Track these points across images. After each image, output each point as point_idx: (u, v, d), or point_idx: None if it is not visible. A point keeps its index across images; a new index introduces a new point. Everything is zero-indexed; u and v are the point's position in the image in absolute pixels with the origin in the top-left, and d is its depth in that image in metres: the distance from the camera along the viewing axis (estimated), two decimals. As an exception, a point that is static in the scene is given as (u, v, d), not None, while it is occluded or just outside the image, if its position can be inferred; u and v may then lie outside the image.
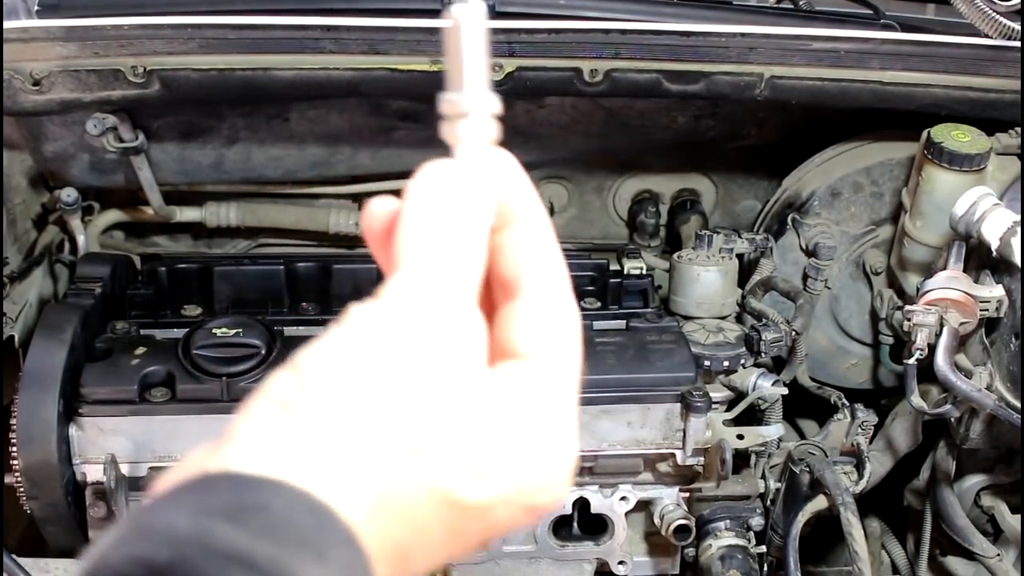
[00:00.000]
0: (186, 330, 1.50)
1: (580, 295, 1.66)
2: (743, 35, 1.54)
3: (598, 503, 1.55)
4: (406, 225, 0.49)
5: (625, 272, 1.72)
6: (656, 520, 1.57)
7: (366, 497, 0.44)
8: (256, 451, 0.43)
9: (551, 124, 1.81)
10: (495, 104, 0.51)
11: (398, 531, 0.44)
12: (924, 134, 1.61)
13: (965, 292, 1.43)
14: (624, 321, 1.62)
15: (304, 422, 0.44)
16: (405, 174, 1.83)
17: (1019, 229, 1.37)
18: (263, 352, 1.45)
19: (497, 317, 0.51)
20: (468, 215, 0.49)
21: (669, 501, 1.57)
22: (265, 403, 0.45)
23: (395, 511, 0.44)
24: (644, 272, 1.72)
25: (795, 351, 1.71)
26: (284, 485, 0.42)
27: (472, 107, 0.50)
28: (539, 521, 1.55)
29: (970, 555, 1.69)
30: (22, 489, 1.39)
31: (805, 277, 1.81)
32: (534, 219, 0.52)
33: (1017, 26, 1.45)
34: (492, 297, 0.53)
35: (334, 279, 1.67)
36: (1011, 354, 1.44)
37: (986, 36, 1.50)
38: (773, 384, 1.62)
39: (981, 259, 1.48)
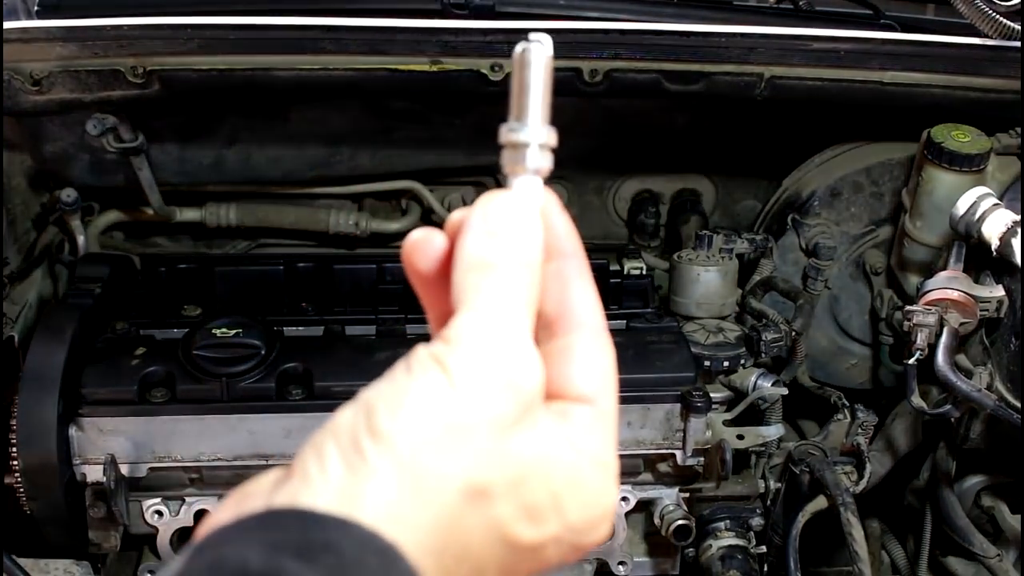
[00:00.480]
0: (186, 330, 1.50)
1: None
2: (743, 35, 1.54)
3: (598, 503, 1.55)
4: (467, 262, 0.49)
5: (625, 272, 1.72)
6: (656, 520, 1.57)
7: (430, 537, 0.44)
8: (324, 489, 0.44)
9: (551, 124, 1.81)
10: (553, 138, 0.52)
11: (457, 570, 0.45)
12: (924, 134, 1.60)
13: (965, 292, 1.43)
14: (624, 321, 1.62)
15: (372, 463, 0.44)
16: (405, 174, 1.88)
17: (1019, 229, 1.37)
18: (263, 352, 1.45)
19: (546, 353, 0.51)
20: (528, 252, 0.49)
21: (669, 501, 1.57)
22: (332, 441, 0.45)
23: (456, 551, 0.45)
24: (644, 272, 1.72)
25: (795, 351, 1.71)
26: (353, 524, 0.43)
27: (532, 139, 0.51)
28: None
29: (970, 555, 1.69)
30: (22, 489, 1.39)
31: (805, 277, 1.81)
32: (579, 255, 0.52)
33: (1017, 26, 1.45)
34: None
35: (334, 279, 1.67)
36: (1011, 354, 1.44)
37: (986, 36, 1.50)
38: (773, 384, 1.62)
39: (981, 259, 1.48)
